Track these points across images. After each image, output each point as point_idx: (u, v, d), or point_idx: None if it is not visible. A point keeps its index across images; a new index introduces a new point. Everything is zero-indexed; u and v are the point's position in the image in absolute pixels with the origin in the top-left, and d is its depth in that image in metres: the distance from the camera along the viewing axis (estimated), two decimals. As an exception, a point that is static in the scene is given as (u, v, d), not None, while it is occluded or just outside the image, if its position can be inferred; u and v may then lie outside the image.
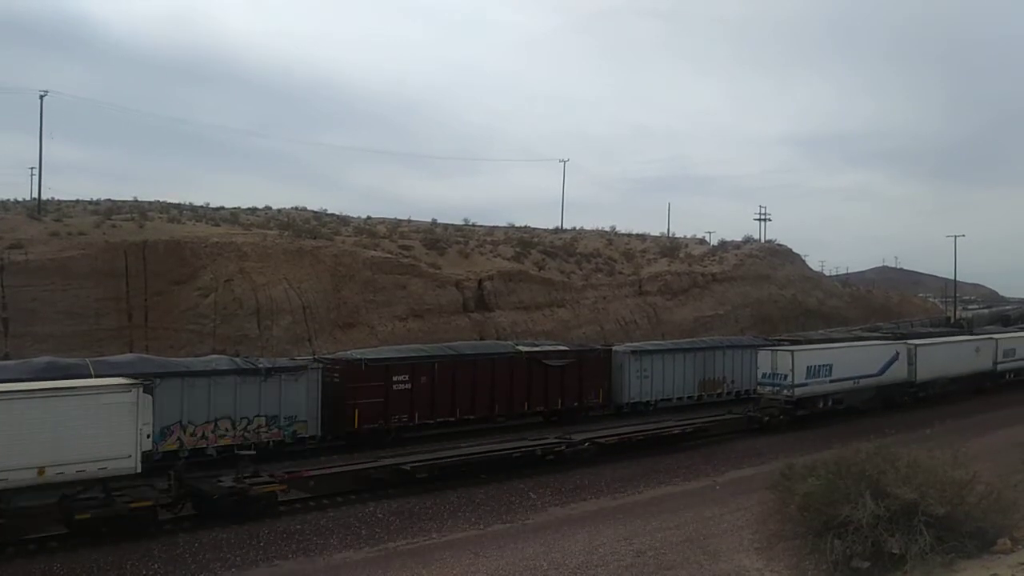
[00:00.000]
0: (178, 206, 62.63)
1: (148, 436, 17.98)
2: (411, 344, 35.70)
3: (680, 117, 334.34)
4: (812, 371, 33.12)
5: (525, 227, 73.72)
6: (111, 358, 24.51)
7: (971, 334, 50.89)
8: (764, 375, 33.19)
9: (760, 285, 66.81)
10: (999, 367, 45.18)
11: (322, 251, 46.00)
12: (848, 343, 40.67)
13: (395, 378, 27.76)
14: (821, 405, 33.68)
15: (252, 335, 40.60)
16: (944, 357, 41.09)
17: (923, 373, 39.02)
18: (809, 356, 33.86)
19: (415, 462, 22.87)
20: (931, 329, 59.47)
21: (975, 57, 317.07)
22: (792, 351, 33.18)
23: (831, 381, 33.98)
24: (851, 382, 34.92)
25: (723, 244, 75.71)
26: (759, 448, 28.98)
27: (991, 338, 46.71)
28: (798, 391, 32.25)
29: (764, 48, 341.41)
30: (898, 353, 38.07)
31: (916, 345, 39.38)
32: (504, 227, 72.24)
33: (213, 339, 39.63)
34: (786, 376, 31.98)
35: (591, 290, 56.26)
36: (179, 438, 23.11)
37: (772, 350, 34.09)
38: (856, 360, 35.96)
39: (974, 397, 41.92)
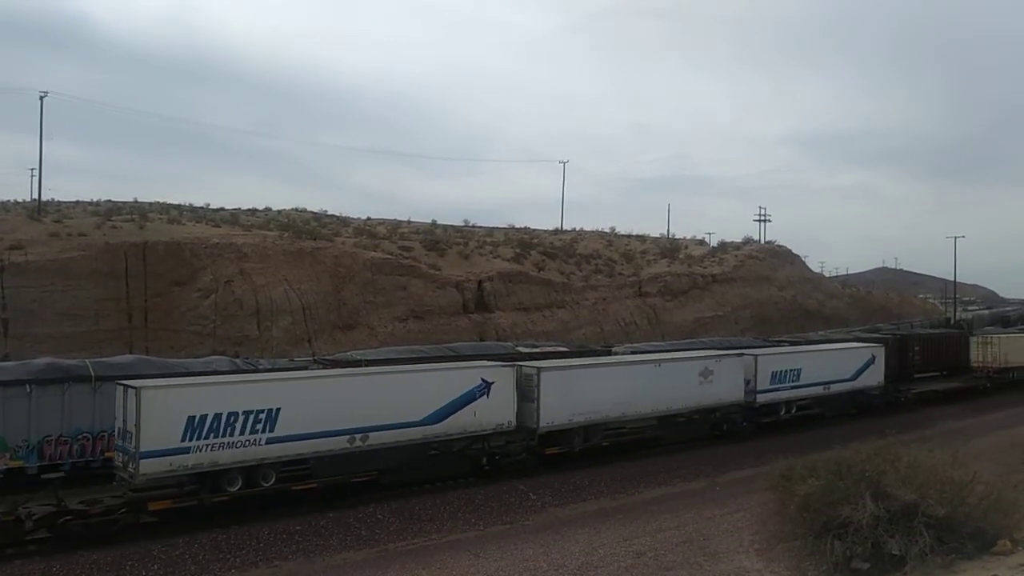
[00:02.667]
0: (178, 207, 62.74)
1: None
2: (411, 345, 35.68)
3: (680, 117, 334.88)
4: (777, 377, 31.68)
5: (525, 228, 73.84)
6: (111, 359, 24.47)
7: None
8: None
9: (760, 286, 66.85)
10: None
11: (322, 252, 46.02)
12: (817, 346, 38.34)
13: None
14: (784, 412, 32.32)
15: (252, 336, 40.63)
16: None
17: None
18: (773, 361, 32.30)
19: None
20: (931, 329, 59.44)
21: (975, 56, 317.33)
22: (756, 355, 31.69)
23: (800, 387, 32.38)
24: (821, 387, 33.45)
25: (723, 245, 75.79)
26: (759, 449, 28.94)
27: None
28: (760, 398, 31.09)
29: (765, 48, 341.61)
30: (874, 357, 36.22)
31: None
32: (504, 228, 72.33)
33: (213, 340, 39.67)
34: (749, 382, 30.67)
35: (591, 291, 56.29)
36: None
37: (731, 355, 31.33)
38: (827, 365, 34.14)
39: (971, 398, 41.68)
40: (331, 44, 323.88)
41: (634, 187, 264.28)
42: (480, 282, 50.38)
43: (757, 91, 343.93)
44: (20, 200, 59.91)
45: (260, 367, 25.48)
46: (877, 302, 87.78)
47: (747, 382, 30.45)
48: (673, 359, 29.46)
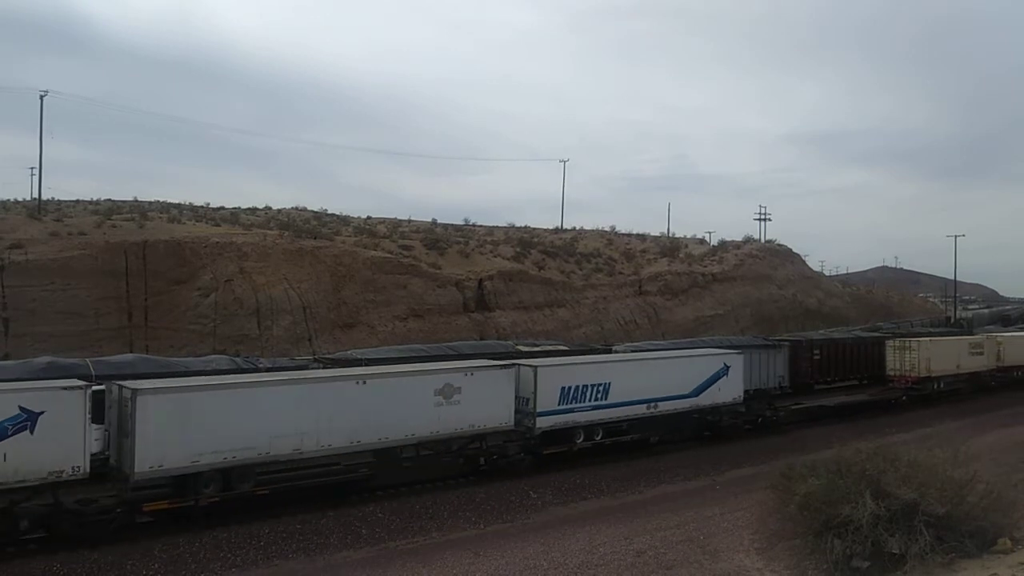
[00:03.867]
0: (178, 206, 62.77)
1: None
2: (411, 344, 35.69)
3: (681, 115, 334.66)
4: (571, 394, 25.10)
5: (525, 227, 73.87)
6: (111, 358, 24.49)
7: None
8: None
9: (760, 285, 66.86)
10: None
11: (322, 251, 46.02)
12: (641, 355, 31.08)
13: None
14: (582, 440, 25.62)
15: (252, 335, 40.63)
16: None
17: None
18: (564, 373, 25.34)
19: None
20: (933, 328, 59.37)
21: (976, 56, 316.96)
22: (536, 367, 24.58)
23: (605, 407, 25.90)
24: (645, 406, 27.03)
25: (723, 244, 75.83)
26: (759, 448, 29.00)
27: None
28: (542, 422, 24.28)
29: (766, 47, 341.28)
30: (727, 367, 29.94)
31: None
32: (504, 227, 72.34)
33: (213, 339, 39.68)
34: (526, 401, 24.20)
35: (591, 290, 56.29)
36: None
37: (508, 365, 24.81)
38: (653, 377, 27.82)
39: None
40: (331, 43, 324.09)
41: (634, 186, 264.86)
42: (480, 281, 50.38)
43: (758, 90, 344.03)
44: (20, 199, 59.95)
45: (260, 366, 25.48)
46: (877, 301, 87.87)
47: (522, 401, 24.17)
48: (389, 374, 22.47)
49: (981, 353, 43.54)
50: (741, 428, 31.26)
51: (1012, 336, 49.44)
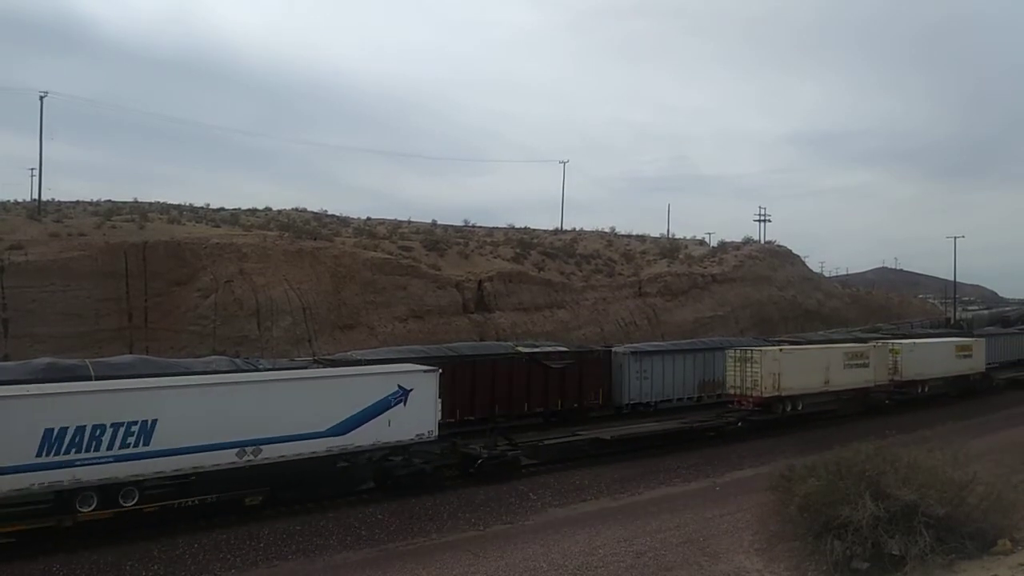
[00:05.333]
0: (178, 207, 62.77)
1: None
2: (411, 345, 35.67)
3: (681, 116, 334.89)
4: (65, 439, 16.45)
5: (525, 228, 73.86)
6: (111, 359, 24.48)
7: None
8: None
9: (760, 286, 66.85)
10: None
11: (322, 252, 46.01)
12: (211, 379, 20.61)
13: None
14: (94, 507, 17.11)
15: (252, 336, 40.61)
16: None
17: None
18: (46, 406, 16.57)
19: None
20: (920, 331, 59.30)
21: (976, 56, 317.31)
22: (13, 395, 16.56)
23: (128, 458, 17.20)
24: (235, 452, 18.66)
25: (723, 245, 75.79)
26: (759, 449, 28.99)
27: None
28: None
29: (767, 47, 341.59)
30: (404, 391, 21.68)
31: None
32: (504, 228, 72.34)
33: (213, 340, 39.65)
34: None
35: (591, 291, 56.27)
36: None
37: None
38: (255, 407, 19.16)
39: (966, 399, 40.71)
40: (331, 43, 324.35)
41: (634, 187, 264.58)
42: (480, 282, 50.36)
43: (759, 91, 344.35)
44: (20, 200, 59.93)
45: (260, 367, 25.47)
46: (877, 302, 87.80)
47: None
48: None
49: (865, 365, 35.48)
50: (439, 478, 22.94)
51: (915, 343, 40.69)
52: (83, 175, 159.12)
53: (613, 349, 36.11)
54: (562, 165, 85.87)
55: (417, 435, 22.09)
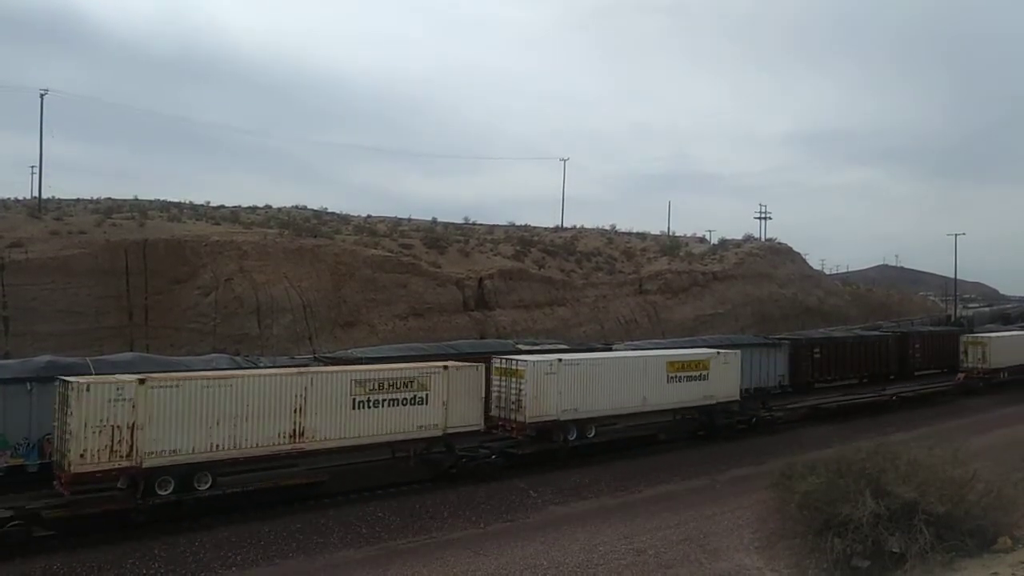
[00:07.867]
0: (178, 205, 62.72)
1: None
2: (411, 343, 35.67)
3: (682, 114, 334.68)
4: None
5: (525, 226, 73.86)
6: (111, 357, 24.46)
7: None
8: None
9: (760, 284, 66.81)
10: None
11: (322, 250, 46.01)
12: None
13: None
14: None
15: (252, 334, 40.63)
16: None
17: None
18: None
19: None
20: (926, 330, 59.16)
21: (977, 55, 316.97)
22: None
23: None
24: None
25: (723, 243, 75.77)
26: (759, 447, 28.98)
27: None
28: None
29: (767, 46, 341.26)
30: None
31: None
32: (504, 225, 72.33)
33: (214, 338, 39.67)
34: None
35: (591, 289, 56.27)
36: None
37: None
38: None
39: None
40: (331, 42, 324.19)
41: (635, 185, 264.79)
42: (480, 280, 50.36)
43: (760, 89, 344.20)
44: (20, 198, 59.97)
45: (261, 365, 25.44)
46: (877, 299, 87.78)
47: None
48: None
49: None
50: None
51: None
52: (83, 173, 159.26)
53: (613, 347, 36.02)
54: (563, 163, 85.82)
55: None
